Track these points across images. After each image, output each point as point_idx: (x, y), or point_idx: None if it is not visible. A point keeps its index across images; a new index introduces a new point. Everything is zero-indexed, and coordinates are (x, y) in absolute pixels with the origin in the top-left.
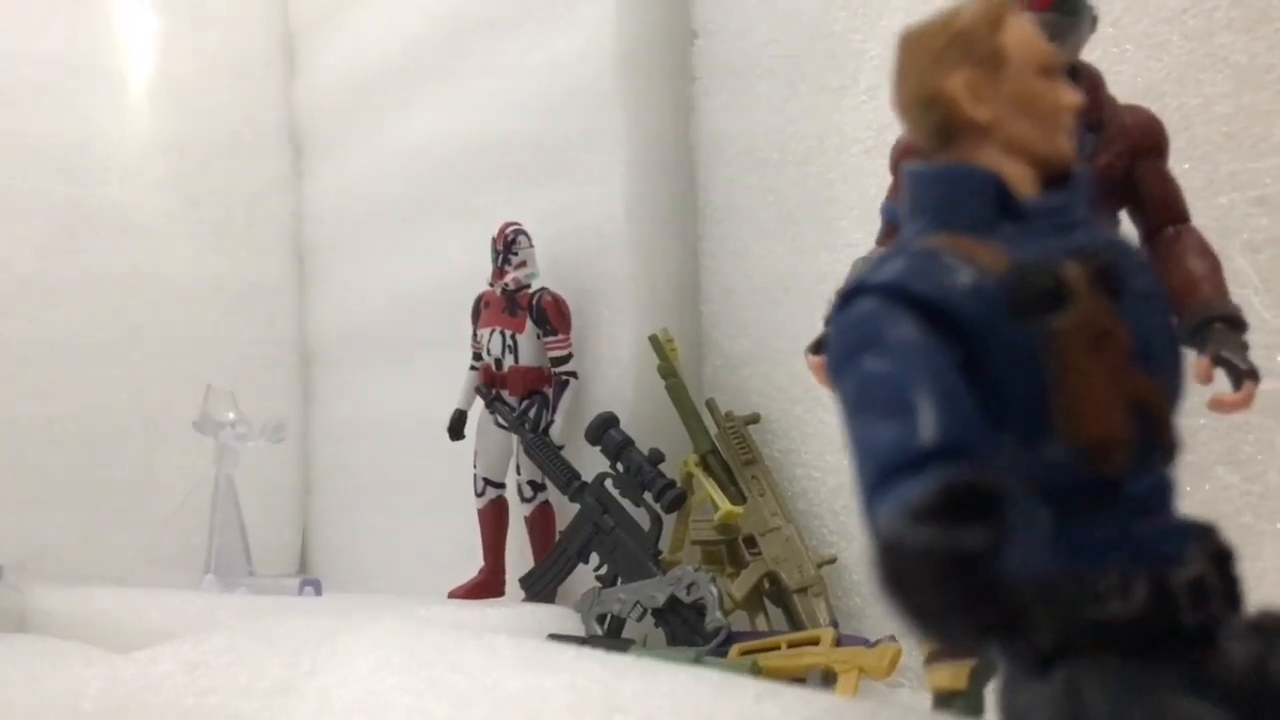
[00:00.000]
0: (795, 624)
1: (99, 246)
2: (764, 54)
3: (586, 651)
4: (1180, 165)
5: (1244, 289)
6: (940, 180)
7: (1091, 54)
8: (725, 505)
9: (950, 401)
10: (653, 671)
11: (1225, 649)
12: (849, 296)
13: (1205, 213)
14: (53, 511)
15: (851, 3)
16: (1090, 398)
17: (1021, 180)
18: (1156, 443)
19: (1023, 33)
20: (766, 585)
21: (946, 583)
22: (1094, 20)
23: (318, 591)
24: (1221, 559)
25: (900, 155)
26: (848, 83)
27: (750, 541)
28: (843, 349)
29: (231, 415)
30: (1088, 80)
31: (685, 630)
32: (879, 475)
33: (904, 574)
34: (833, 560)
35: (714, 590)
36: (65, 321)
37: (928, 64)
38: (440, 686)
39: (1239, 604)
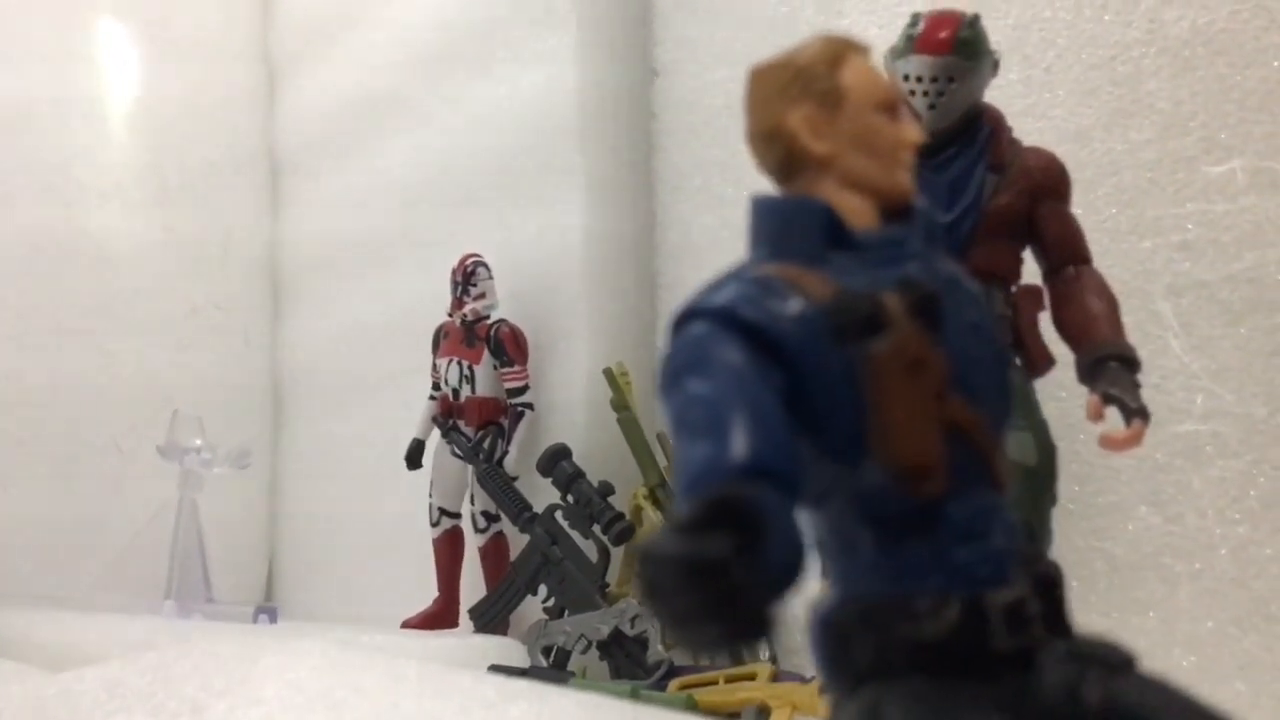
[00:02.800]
0: (736, 659)
1: (74, 272)
2: (722, 92)
3: (485, 677)
4: (1106, 209)
5: (1164, 332)
6: (776, 211)
7: (1025, 99)
8: None
9: (762, 425)
10: (541, 696)
11: (1041, 673)
12: (682, 320)
13: (1129, 256)
14: (18, 534)
15: None
16: (903, 423)
17: (857, 213)
18: (978, 468)
19: (862, 71)
20: None
21: (691, 588)
22: (995, 64)
23: (272, 619)
24: (1047, 584)
25: None
26: None
27: None
28: (671, 371)
29: (198, 441)
30: (990, 122)
31: (629, 663)
32: (688, 495)
33: (655, 580)
34: None
35: (656, 623)
36: (36, 345)
37: (770, 99)
38: (340, 708)
39: (1065, 630)
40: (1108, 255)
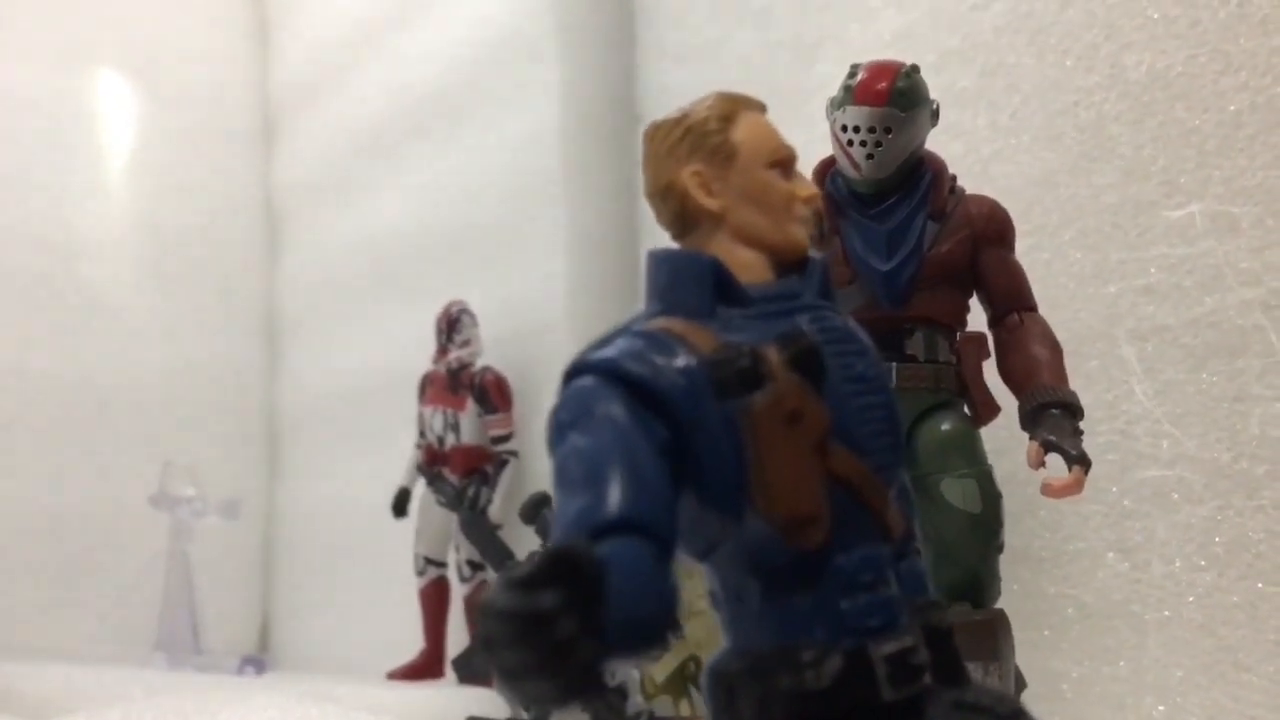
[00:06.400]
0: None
1: (69, 321)
2: None
3: None
4: (1072, 254)
5: (1129, 377)
6: (667, 265)
7: (991, 144)
8: None
9: (636, 479)
10: None
11: None
12: (571, 374)
13: (1094, 300)
14: (11, 584)
15: (782, 93)
16: (782, 474)
17: (750, 266)
18: (864, 519)
19: (755, 128)
20: (692, 669)
21: (523, 643)
22: (935, 113)
23: (258, 671)
24: (939, 634)
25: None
26: None
27: (675, 624)
28: (556, 425)
29: (190, 491)
30: (932, 170)
31: (608, 713)
32: None
33: (490, 634)
34: None
35: (635, 673)
36: (32, 394)
37: (662, 156)
38: None
39: (959, 679)
40: (1074, 300)
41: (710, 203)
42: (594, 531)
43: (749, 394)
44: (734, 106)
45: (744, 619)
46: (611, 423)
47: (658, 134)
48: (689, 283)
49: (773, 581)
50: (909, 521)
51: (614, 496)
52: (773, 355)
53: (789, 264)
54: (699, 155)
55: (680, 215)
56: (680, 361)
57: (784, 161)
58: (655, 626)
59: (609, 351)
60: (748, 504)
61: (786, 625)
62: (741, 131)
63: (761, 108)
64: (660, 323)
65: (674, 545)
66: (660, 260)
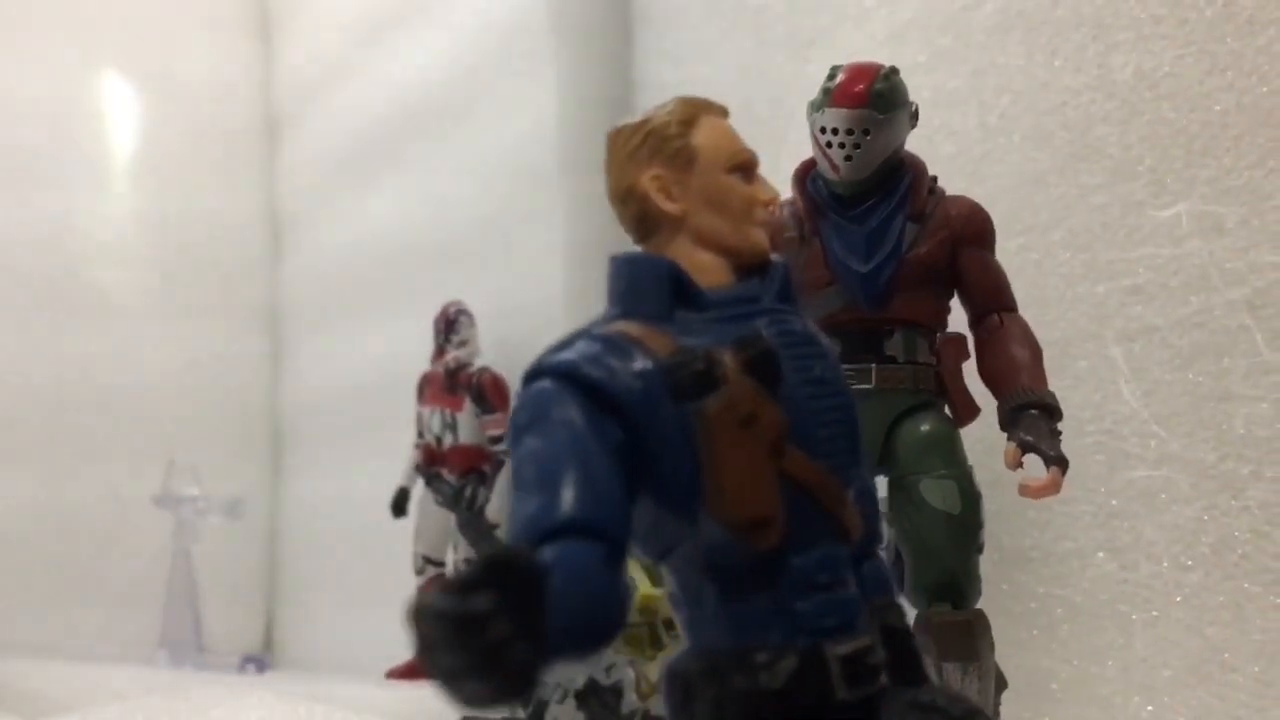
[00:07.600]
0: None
1: (75, 322)
2: None
3: None
4: (1061, 254)
5: (1116, 378)
6: (626, 269)
7: (982, 144)
8: (645, 586)
9: (588, 483)
10: None
11: None
12: (530, 376)
13: (1084, 301)
14: (15, 583)
15: (776, 93)
16: (736, 476)
17: (710, 270)
18: (821, 520)
19: (715, 132)
20: None
21: (456, 645)
22: (914, 115)
23: (259, 669)
24: (896, 635)
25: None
26: (772, 168)
27: (670, 624)
28: (513, 427)
29: (194, 490)
30: (911, 172)
31: (604, 712)
32: None
33: (424, 636)
34: None
35: (630, 673)
36: (36, 393)
37: (624, 160)
38: None
39: (917, 679)
40: (1062, 300)
41: (670, 206)
42: (545, 534)
43: (704, 397)
44: (695, 111)
45: (701, 620)
46: (566, 426)
47: (619, 138)
48: (647, 286)
49: (729, 582)
50: (871, 523)
51: (566, 499)
52: (728, 359)
53: (749, 267)
54: (659, 159)
55: (641, 219)
56: (637, 365)
57: (744, 165)
58: (601, 627)
59: (567, 355)
60: (703, 506)
61: (742, 626)
62: (702, 135)
63: (723, 112)
64: (619, 326)
65: (625, 547)
66: (620, 264)
